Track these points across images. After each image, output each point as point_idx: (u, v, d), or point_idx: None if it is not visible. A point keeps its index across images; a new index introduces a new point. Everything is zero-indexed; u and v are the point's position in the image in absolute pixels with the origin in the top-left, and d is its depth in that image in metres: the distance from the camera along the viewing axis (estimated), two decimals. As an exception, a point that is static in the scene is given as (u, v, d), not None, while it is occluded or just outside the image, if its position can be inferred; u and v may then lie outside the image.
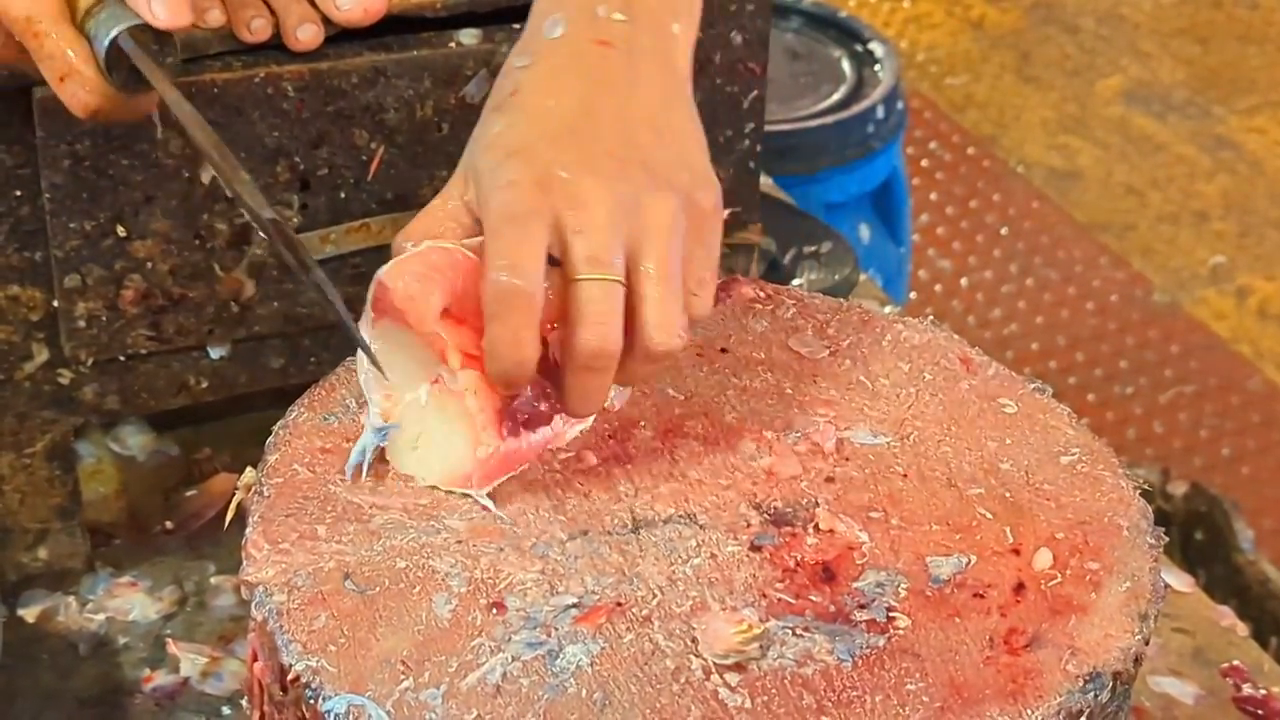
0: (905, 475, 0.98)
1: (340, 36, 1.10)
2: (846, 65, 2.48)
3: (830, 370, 1.06)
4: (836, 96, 2.42)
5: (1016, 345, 3.07)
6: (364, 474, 0.95)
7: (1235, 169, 3.51)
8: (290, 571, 0.90)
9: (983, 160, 3.54)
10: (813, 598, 0.90)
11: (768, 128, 1.29)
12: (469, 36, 1.13)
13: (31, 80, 1.00)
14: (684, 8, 0.98)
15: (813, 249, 1.58)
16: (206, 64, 1.08)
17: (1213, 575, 1.74)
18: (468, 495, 0.94)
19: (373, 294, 0.93)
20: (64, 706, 1.12)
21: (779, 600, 0.90)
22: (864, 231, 2.43)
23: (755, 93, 1.25)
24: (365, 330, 0.94)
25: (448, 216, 0.95)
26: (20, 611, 1.17)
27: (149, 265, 1.11)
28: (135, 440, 1.31)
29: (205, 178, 1.08)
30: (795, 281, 1.54)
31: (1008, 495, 0.97)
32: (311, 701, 0.84)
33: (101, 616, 1.18)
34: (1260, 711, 1.15)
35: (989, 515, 0.96)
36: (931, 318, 1.11)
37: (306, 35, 1.08)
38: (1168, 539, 0.97)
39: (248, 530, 0.93)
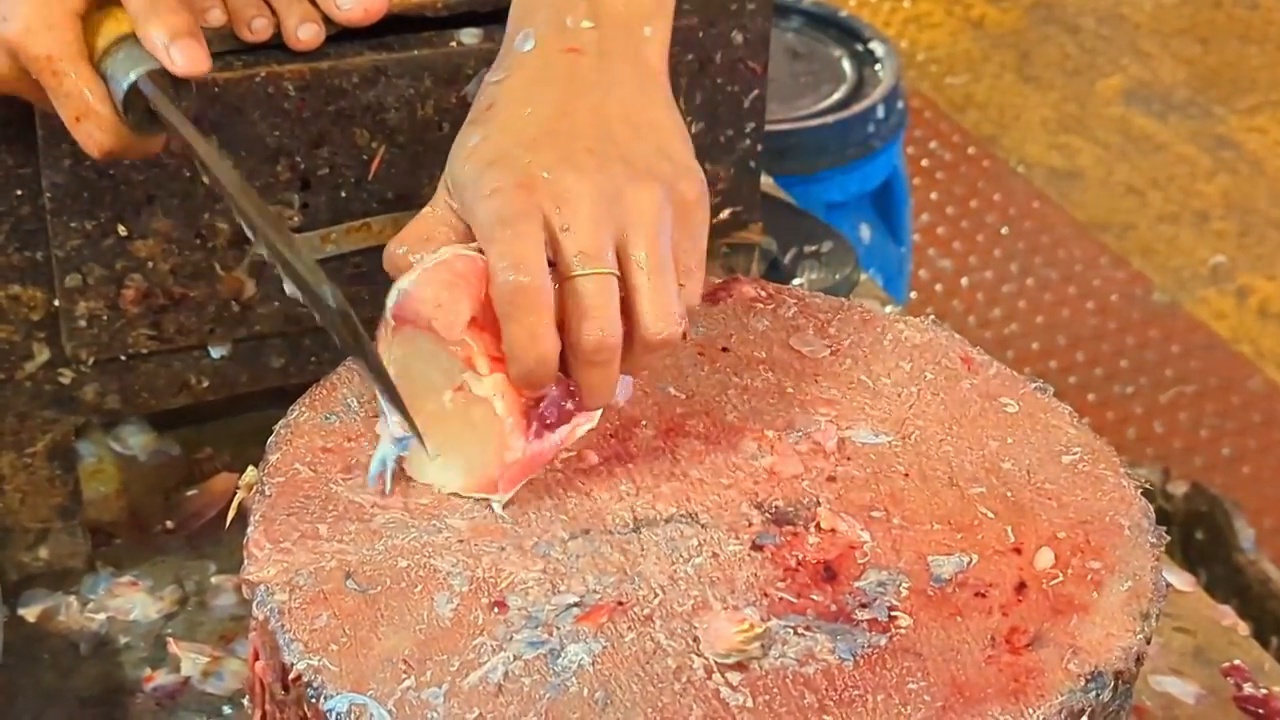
0: (907, 474, 0.98)
1: (341, 36, 1.10)
2: (847, 65, 2.48)
3: (831, 369, 1.06)
4: (837, 96, 2.42)
5: (1017, 345, 3.07)
6: (388, 486, 0.95)
7: (1236, 169, 3.51)
8: (292, 571, 0.90)
9: (983, 160, 3.54)
10: (814, 597, 0.90)
11: (768, 127, 1.29)
12: (470, 36, 1.13)
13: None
14: (654, 10, 0.99)
15: (813, 248, 1.58)
16: (207, 63, 1.08)
17: (1213, 575, 1.74)
18: (486, 499, 0.94)
19: (395, 303, 0.93)
20: (65, 706, 1.12)
21: (780, 599, 0.90)
22: (864, 231, 2.43)
23: (756, 92, 1.25)
24: (385, 339, 0.94)
25: (439, 221, 0.97)
26: (21, 611, 1.17)
27: (150, 265, 1.11)
28: (136, 440, 1.31)
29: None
30: (796, 281, 1.54)
31: (1009, 494, 0.97)
32: (313, 700, 0.84)
33: (102, 616, 1.18)
34: (1261, 711, 1.15)
35: (990, 514, 0.96)
36: (932, 317, 1.11)
37: (307, 35, 1.08)
38: (1169, 538, 0.97)
39: (249, 529, 0.93)
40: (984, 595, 0.91)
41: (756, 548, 0.93)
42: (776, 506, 0.96)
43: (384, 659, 0.85)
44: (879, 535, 0.94)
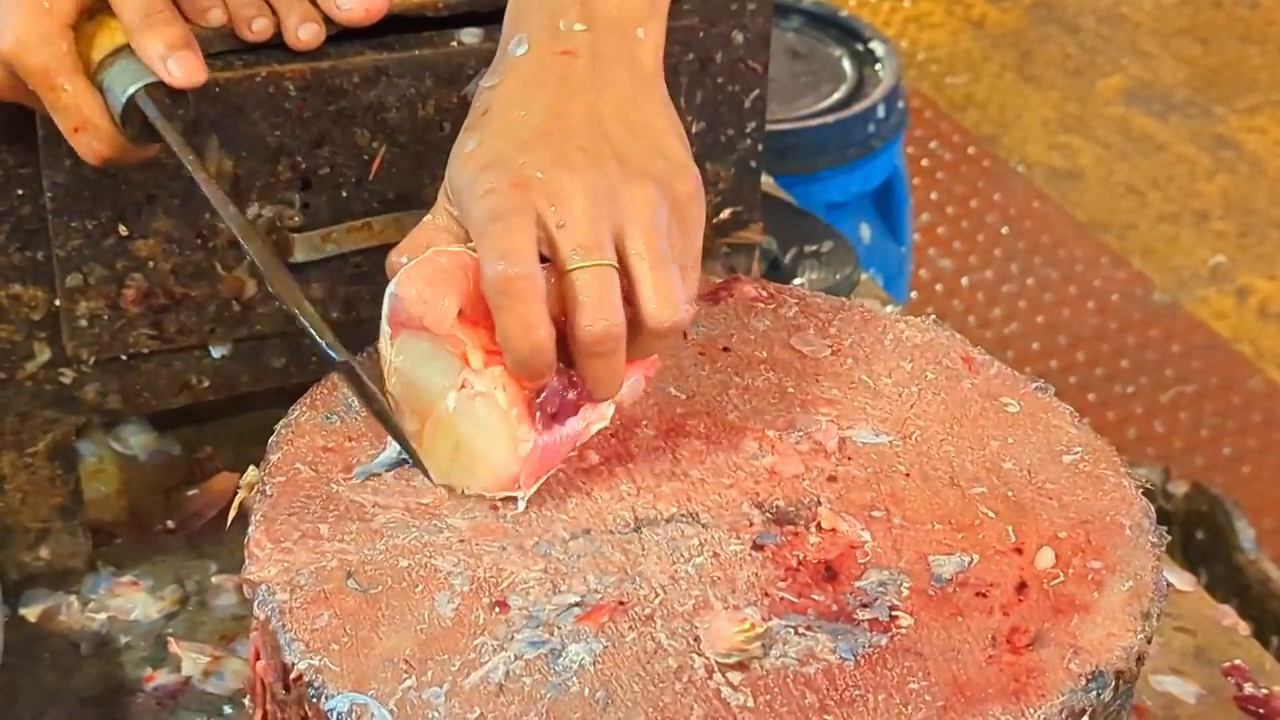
0: (908, 474, 0.98)
1: (342, 36, 1.10)
2: (847, 64, 2.48)
3: (832, 369, 1.06)
4: (837, 96, 2.42)
5: (1017, 345, 3.07)
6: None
7: (1236, 168, 3.51)
8: (293, 570, 0.90)
9: (983, 160, 3.54)
10: (815, 597, 0.90)
11: (768, 127, 1.29)
12: (470, 36, 1.13)
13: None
14: (647, 12, 0.99)
15: (814, 248, 1.58)
16: (208, 63, 1.08)
17: (1214, 574, 1.74)
18: (511, 497, 0.94)
19: (388, 307, 0.94)
20: (66, 705, 1.12)
21: (781, 599, 0.90)
22: (865, 231, 2.43)
23: (756, 92, 1.25)
24: (385, 347, 0.94)
25: (439, 229, 0.97)
26: (22, 611, 1.17)
27: (151, 264, 1.11)
28: (137, 439, 1.31)
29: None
30: (796, 281, 1.54)
31: (1010, 494, 0.97)
32: (314, 700, 0.84)
33: (103, 616, 1.18)
34: (1262, 711, 1.15)
35: (991, 514, 0.96)
36: (933, 317, 1.11)
37: (308, 34, 1.08)
38: (1170, 538, 0.97)
39: (250, 529, 0.93)
40: (985, 595, 0.91)
41: (757, 547, 0.93)
42: (777, 506, 0.96)
43: (385, 659, 0.85)
44: (880, 535, 0.94)
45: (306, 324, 0.92)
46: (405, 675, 0.85)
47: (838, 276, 1.56)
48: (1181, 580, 1.26)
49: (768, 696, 0.85)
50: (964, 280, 3.24)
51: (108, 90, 0.97)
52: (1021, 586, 0.91)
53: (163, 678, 1.14)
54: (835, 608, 0.90)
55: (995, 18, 3.96)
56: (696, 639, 0.87)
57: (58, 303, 1.11)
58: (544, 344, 0.91)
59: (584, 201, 0.92)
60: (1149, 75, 3.77)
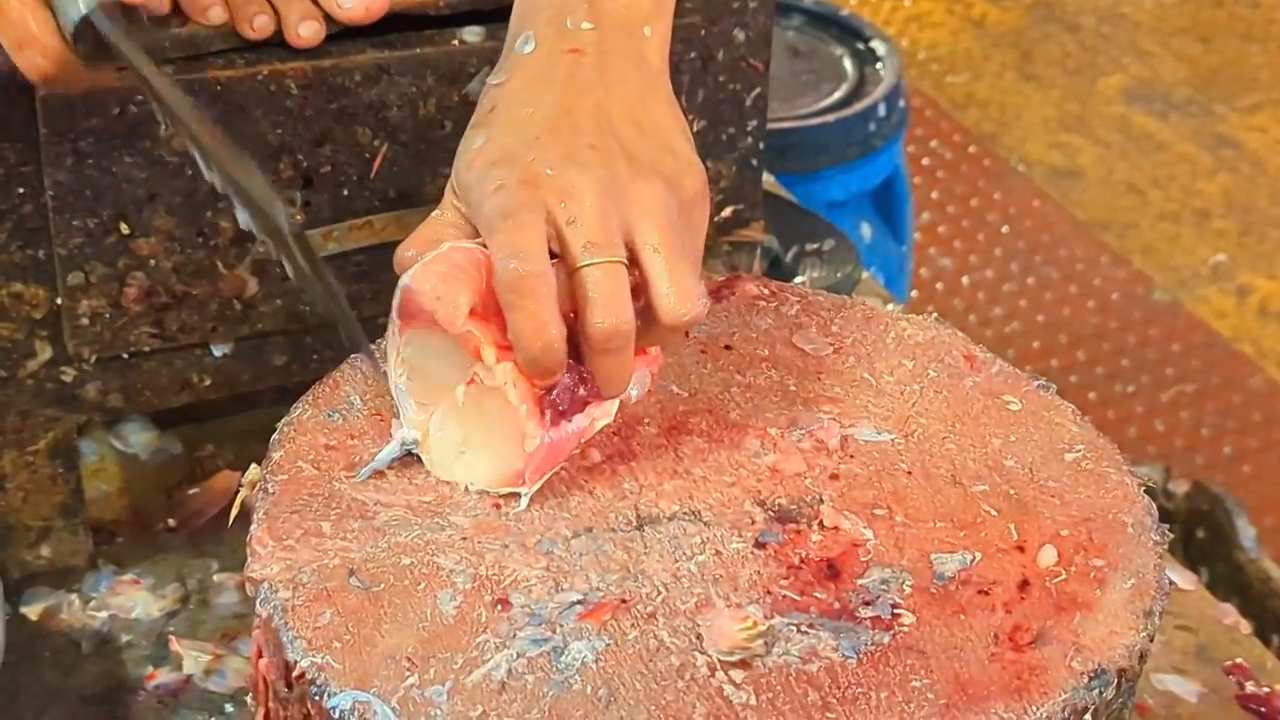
0: (910, 472, 0.98)
1: (343, 34, 1.10)
2: (848, 63, 2.48)
3: (834, 367, 1.06)
4: (838, 95, 2.42)
5: (1018, 344, 3.07)
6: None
7: (1236, 167, 3.51)
8: (295, 568, 0.90)
9: (984, 159, 3.54)
10: (817, 594, 0.90)
11: (769, 125, 1.29)
12: (472, 34, 1.13)
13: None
14: (654, 11, 0.99)
15: (815, 247, 1.58)
16: (209, 61, 1.08)
17: (1215, 574, 1.73)
18: (515, 494, 0.94)
19: (399, 300, 0.94)
20: (67, 704, 1.12)
21: (784, 597, 0.90)
22: (865, 230, 2.43)
23: (758, 90, 1.25)
24: (393, 341, 0.94)
25: (446, 224, 0.97)
26: (23, 609, 1.17)
27: (152, 263, 1.11)
28: (138, 438, 1.31)
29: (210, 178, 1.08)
30: (797, 279, 1.54)
31: (1012, 492, 0.97)
32: (317, 698, 0.84)
33: (104, 614, 1.18)
34: (1263, 709, 1.15)
35: (993, 512, 0.96)
36: (935, 315, 1.10)
37: (308, 32, 1.09)
38: (1171, 536, 0.97)
39: (252, 527, 0.93)
40: (987, 593, 0.91)
41: (759, 545, 0.93)
42: (779, 504, 0.96)
43: (387, 656, 0.85)
44: (882, 533, 0.94)
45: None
46: (408, 673, 0.85)
47: (839, 275, 1.56)
48: (1183, 579, 1.26)
49: (770, 694, 0.85)
50: (964, 279, 3.24)
51: (60, 11, 0.95)
52: (1024, 584, 0.91)
53: (164, 676, 1.14)
54: (837, 606, 0.90)
55: (996, 17, 3.95)
56: (699, 637, 0.87)
57: (59, 301, 1.10)
58: (555, 342, 0.91)
59: (594, 198, 0.92)
60: (1149, 74, 3.77)
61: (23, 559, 1.19)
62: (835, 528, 0.94)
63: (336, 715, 0.83)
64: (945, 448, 1.00)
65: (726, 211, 1.29)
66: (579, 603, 0.89)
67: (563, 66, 0.97)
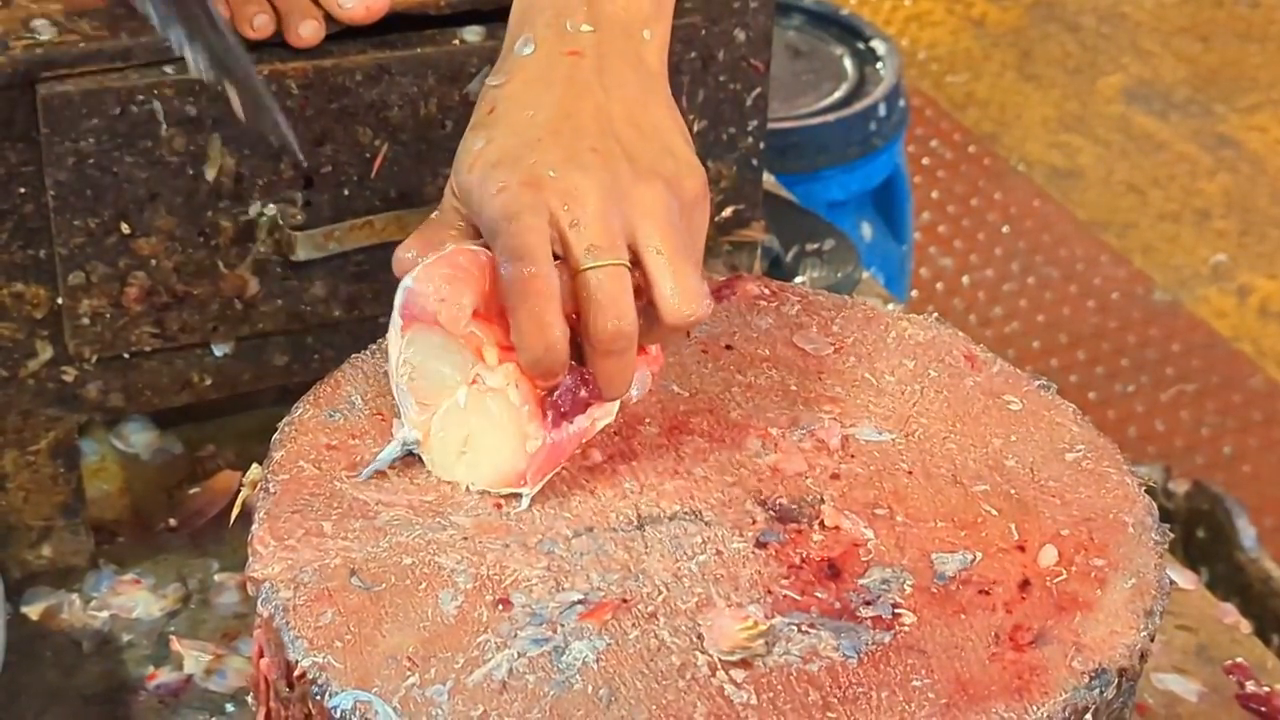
0: (910, 472, 0.98)
1: (344, 34, 1.10)
2: (848, 63, 2.48)
3: (835, 367, 1.06)
4: (838, 94, 2.42)
5: (1018, 343, 3.07)
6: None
7: (1236, 167, 3.51)
8: (296, 568, 0.90)
9: (984, 158, 3.54)
10: (818, 594, 0.90)
11: (770, 125, 1.29)
12: (473, 34, 1.13)
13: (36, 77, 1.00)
14: (653, 14, 0.99)
15: (815, 247, 1.58)
16: (211, 61, 1.08)
17: (1215, 573, 1.73)
18: (516, 495, 0.94)
19: (401, 301, 0.94)
20: (68, 704, 1.12)
21: (784, 597, 0.90)
22: (866, 229, 2.43)
23: (758, 90, 1.25)
24: (394, 339, 0.94)
25: (446, 225, 0.97)
26: (24, 609, 1.17)
27: (153, 263, 1.11)
28: (139, 437, 1.31)
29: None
30: (797, 279, 1.54)
31: (1013, 492, 0.97)
32: (318, 698, 0.84)
33: (105, 614, 1.18)
34: (1263, 709, 1.15)
35: (994, 512, 0.96)
36: (935, 315, 1.10)
37: (308, 32, 1.09)
38: (1172, 536, 0.97)
39: (254, 526, 0.93)
40: (988, 593, 0.91)
41: (760, 545, 0.93)
42: (780, 504, 0.96)
43: (388, 656, 0.85)
44: (883, 533, 0.94)
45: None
46: (409, 673, 0.85)
47: (839, 275, 1.56)
48: (1183, 578, 1.26)
49: (771, 694, 0.85)
50: (965, 279, 3.24)
51: None
52: (1024, 584, 0.91)
53: (165, 676, 1.14)
54: (838, 605, 0.90)
55: (996, 16, 3.96)
56: (699, 636, 0.87)
57: (60, 301, 1.11)
58: (558, 343, 0.91)
59: (597, 200, 0.92)
60: (1149, 74, 3.77)
61: (24, 559, 1.19)
62: (836, 527, 0.94)
63: (338, 715, 0.83)
64: (946, 447, 1.00)
65: (727, 211, 1.29)
66: (580, 602, 0.89)
67: (562, 69, 0.97)
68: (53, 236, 1.08)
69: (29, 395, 1.13)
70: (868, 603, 0.90)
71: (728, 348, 1.07)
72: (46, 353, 1.12)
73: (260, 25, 1.08)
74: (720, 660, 0.86)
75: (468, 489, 0.95)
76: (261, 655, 0.90)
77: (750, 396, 1.03)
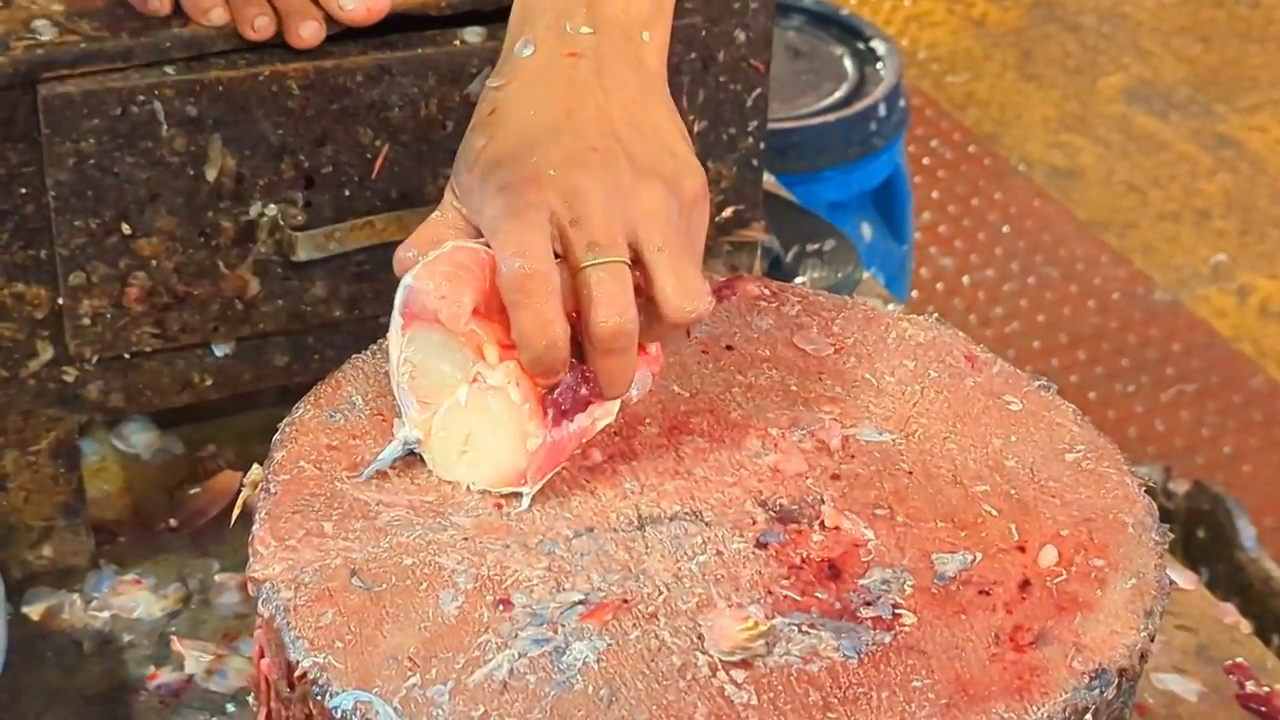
0: (911, 472, 0.98)
1: (345, 35, 1.10)
2: (848, 63, 2.48)
3: (835, 367, 1.06)
4: (838, 95, 2.42)
5: (1018, 343, 3.07)
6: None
7: (1237, 167, 3.51)
8: (297, 568, 0.90)
9: (984, 158, 3.54)
10: (818, 595, 0.90)
11: (770, 126, 1.30)
12: (473, 34, 1.13)
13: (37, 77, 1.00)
14: (652, 15, 1.00)
15: (815, 247, 1.58)
16: (211, 62, 1.08)
17: (1215, 573, 1.73)
18: (516, 494, 0.94)
19: (402, 299, 0.94)
20: (69, 704, 1.12)
21: (785, 597, 0.90)
22: (866, 230, 2.43)
23: (758, 90, 1.25)
24: (395, 338, 0.94)
25: (447, 225, 0.97)
26: (25, 609, 1.17)
27: (154, 263, 1.11)
28: (140, 438, 1.31)
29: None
30: (798, 279, 1.54)
31: (1013, 492, 0.97)
32: (319, 698, 0.84)
33: (106, 614, 1.18)
34: (1263, 709, 1.15)
35: (994, 512, 0.96)
36: (935, 315, 1.11)
37: (308, 33, 1.09)
38: (1172, 536, 0.97)
39: (254, 527, 0.93)
40: (988, 593, 0.91)
41: (761, 545, 0.93)
42: (781, 504, 0.96)
43: (389, 656, 0.85)
44: (883, 533, 0.94)
45: None
46: (409, 673, 0.85)
47: (839, 275, 1.56)
48: (1183, 579, 1.26)
49: (771, 694, 0.85)
50: (965, 279, 3.24)
51: None
52: (1024, 584, 0.91)
53: (165, 676, 1.14)
54: (838, 606, 0.90)
55: (996, 16, 3.96)
56: (700, 637, 0.87)
57: (60, 301, 1.11)
58: (559, 340, 0.91)
59: (598, 199, 0.92)
60: (1150, 74, 3.77)
61: (25, 559, 1.19)
62: (836, 528, 0.94)
63: (338, 715, 0.83)
64: (946, 448, 1.00)
65: (727, 212, 1.29)
66: (580, 603, 0.89)
67: (562, 70, 0.97)
68: (53, 237, 1.09)
69: (30, 395, 1.13)
70: (868, 603, 0.90)
71: (728, 348, 1.07)
72: (47, 353, 1.12)
73: (261, 27, 1.08)
74: (721, 660, 0.86)
75: (468, 489, 0.95)
76: (262, 655, 0.90)
77: (750, 397, 1.03)
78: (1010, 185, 3.46)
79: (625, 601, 0.89)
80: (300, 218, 1.13)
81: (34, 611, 1.17)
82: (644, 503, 0.95)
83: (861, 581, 0.91)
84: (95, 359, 1.13)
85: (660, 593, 0.90)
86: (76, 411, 1.15)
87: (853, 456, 0.99)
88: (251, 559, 0.91)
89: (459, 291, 0.93)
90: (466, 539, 0.92)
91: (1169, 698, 1.16)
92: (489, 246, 0.94)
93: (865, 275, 1.62)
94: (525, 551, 0.92)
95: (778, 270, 1.52)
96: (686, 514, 0.95)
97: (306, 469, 0.96)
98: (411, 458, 0.96)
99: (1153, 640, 0.90)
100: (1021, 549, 0.94)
